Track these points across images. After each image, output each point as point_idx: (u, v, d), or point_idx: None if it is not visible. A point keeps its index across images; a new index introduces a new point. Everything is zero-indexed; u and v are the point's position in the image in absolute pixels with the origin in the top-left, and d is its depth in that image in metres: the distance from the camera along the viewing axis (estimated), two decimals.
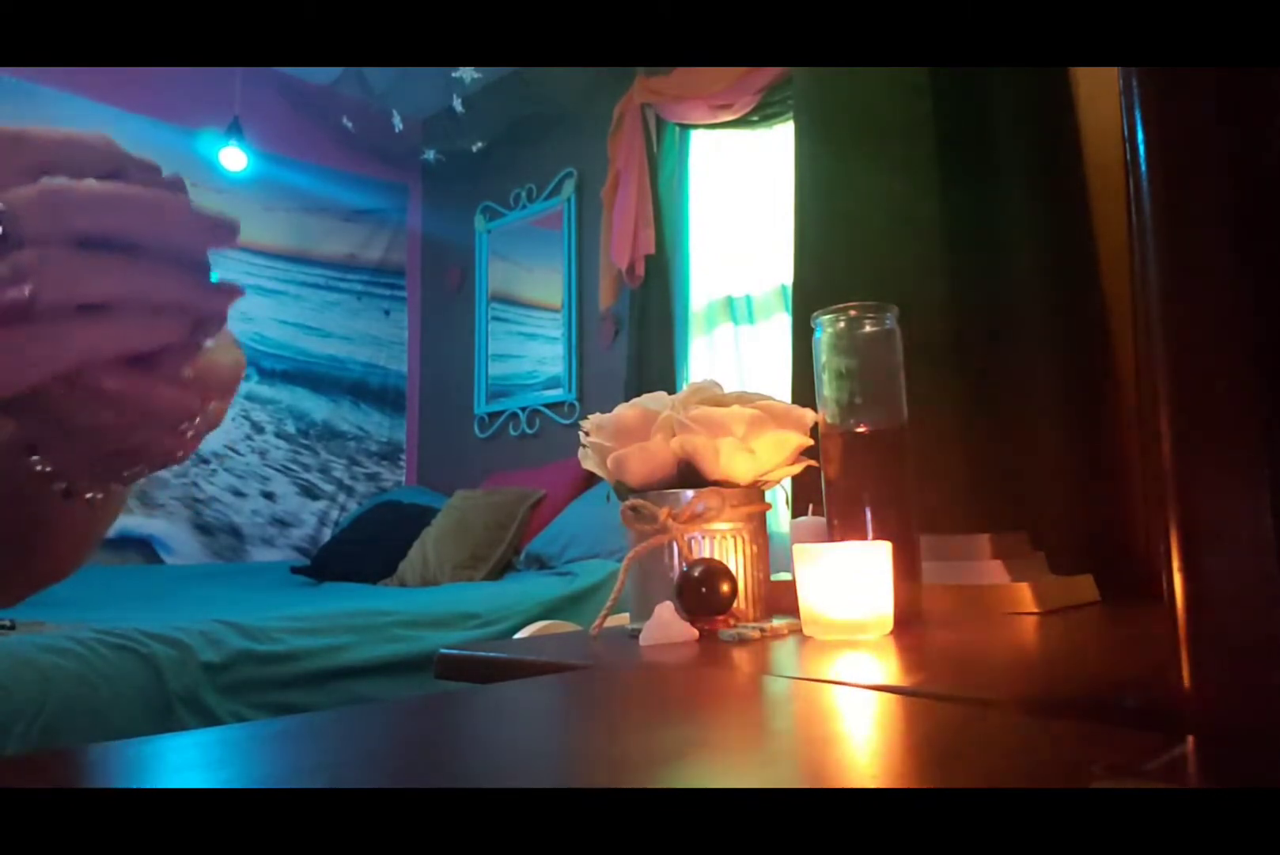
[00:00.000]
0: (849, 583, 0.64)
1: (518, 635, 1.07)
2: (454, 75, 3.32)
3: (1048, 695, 0.47)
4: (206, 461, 3.38)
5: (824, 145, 1.26)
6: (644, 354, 2.86)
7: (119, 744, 0.35)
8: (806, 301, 1.22)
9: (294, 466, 3.62)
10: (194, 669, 1.55)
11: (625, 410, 0.78)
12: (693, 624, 0.68)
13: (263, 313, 3.57)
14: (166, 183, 0.32)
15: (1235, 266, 0.29)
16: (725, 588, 0.68)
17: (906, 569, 0.72)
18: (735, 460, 0.73)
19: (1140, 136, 0.31)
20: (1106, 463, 1.04)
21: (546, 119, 3.38)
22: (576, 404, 3.27)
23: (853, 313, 0.75)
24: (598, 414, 0.80)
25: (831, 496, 0.76)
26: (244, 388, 3.49)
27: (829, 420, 0.76)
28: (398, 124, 3.65)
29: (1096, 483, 1.03)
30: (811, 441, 0.77)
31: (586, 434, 0.80)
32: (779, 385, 2.18)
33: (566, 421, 3.28)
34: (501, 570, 2.69)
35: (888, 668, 0.55)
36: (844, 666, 0.55)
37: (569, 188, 3.39)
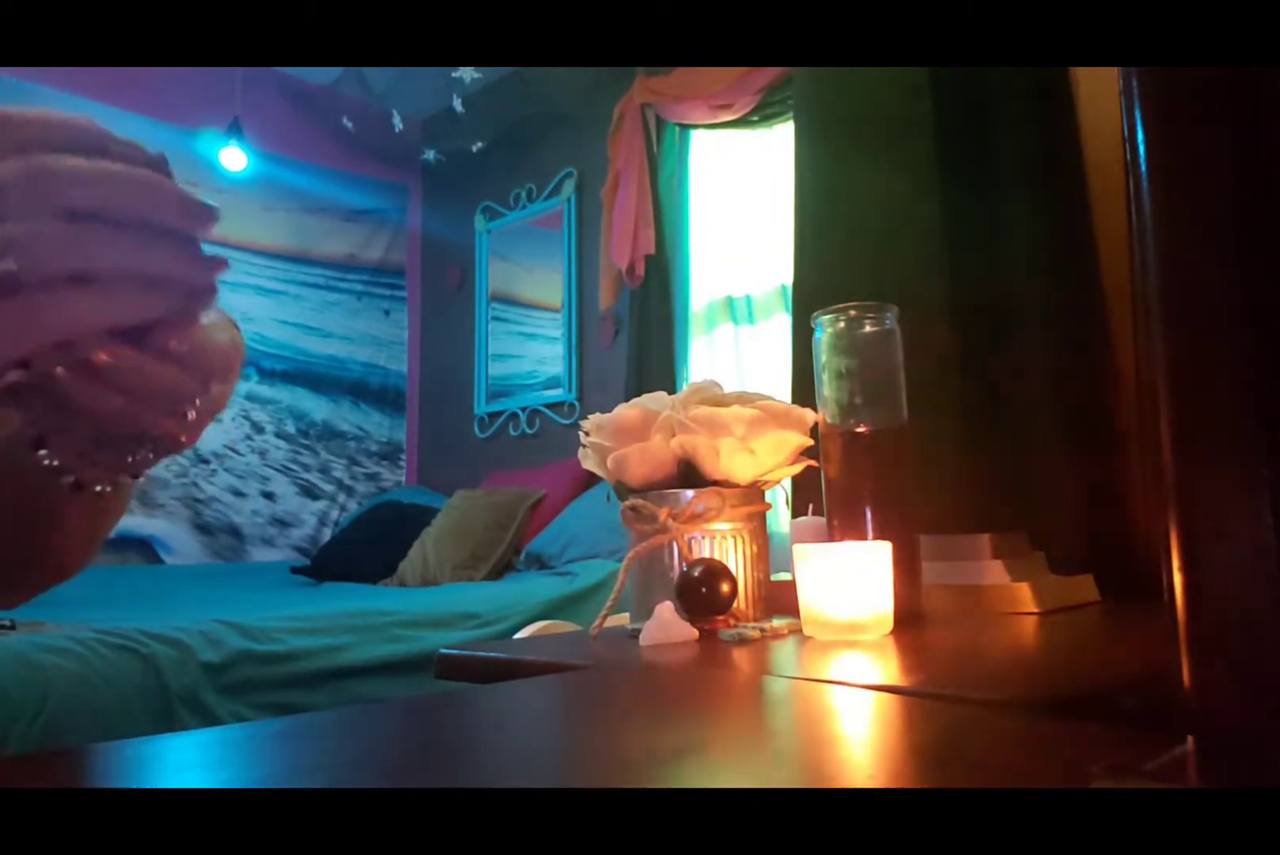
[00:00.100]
0: (849, 583, 0.64)
1: (518, 635, 1.07)
2: (454, 75, 3.32)
3: (1047, 695, 0.47)
4: (206, 461, 3.37)
5: (824, 145, 1.26)
6: (644, 354, 2.86)
7: (119, 744, 0.35)
8: (806, 301, 1.22)
9: (294, 466, 3.62)
10: (194, 669, 1.55)
11: (625, 410, 0.78)
12: (693, 624, 0.68)
13: (263, 313, 3.57)
14: (149, 161, 0.32)
15: (1235, 266, 0.29)
16: (725, 588, 0.68)
17: (906, 569, 0.72)
18: (735, 460, 0.73)
19: (1140, 136, 0.31)
20: (1106, 463, 1.04)
21: (546, 119, 3.38)
22: (576, 404, 3.27)
23: (853, 313, 0.75)
24: (598, 414, 0.80)
25: (831, 496, 0.76)
26: (244, 388, 3.49)
27: (829, 420, 0.76)
28: (398, 124, 3.65)
29: (1096, 482, 1.03)
30: (811, 441, 0.77)
31: (586, 434, 0.80)
32: (779, 385, 2.18)
33: (566, 421, 3.28)
34: (501, 570, 2.69)
35: (888, 668, 0.55)
36: (844, 666, 0.55)
37: (569, 188, 3.39)
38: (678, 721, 0.39)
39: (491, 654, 0.67)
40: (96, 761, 0.35)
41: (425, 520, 2.97)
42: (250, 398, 3.52)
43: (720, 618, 0.70)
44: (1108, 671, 0.54)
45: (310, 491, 3.66)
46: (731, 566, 0.71)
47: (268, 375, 3.58)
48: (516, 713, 0.45)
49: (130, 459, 0.39)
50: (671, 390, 0.86)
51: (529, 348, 3.49)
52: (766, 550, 0.77)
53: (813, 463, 0.78)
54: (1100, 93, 1.09)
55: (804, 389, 1.14)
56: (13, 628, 1.53)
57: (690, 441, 0.73)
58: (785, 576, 0.83)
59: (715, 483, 0.74)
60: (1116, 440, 1.04)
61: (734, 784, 0.29)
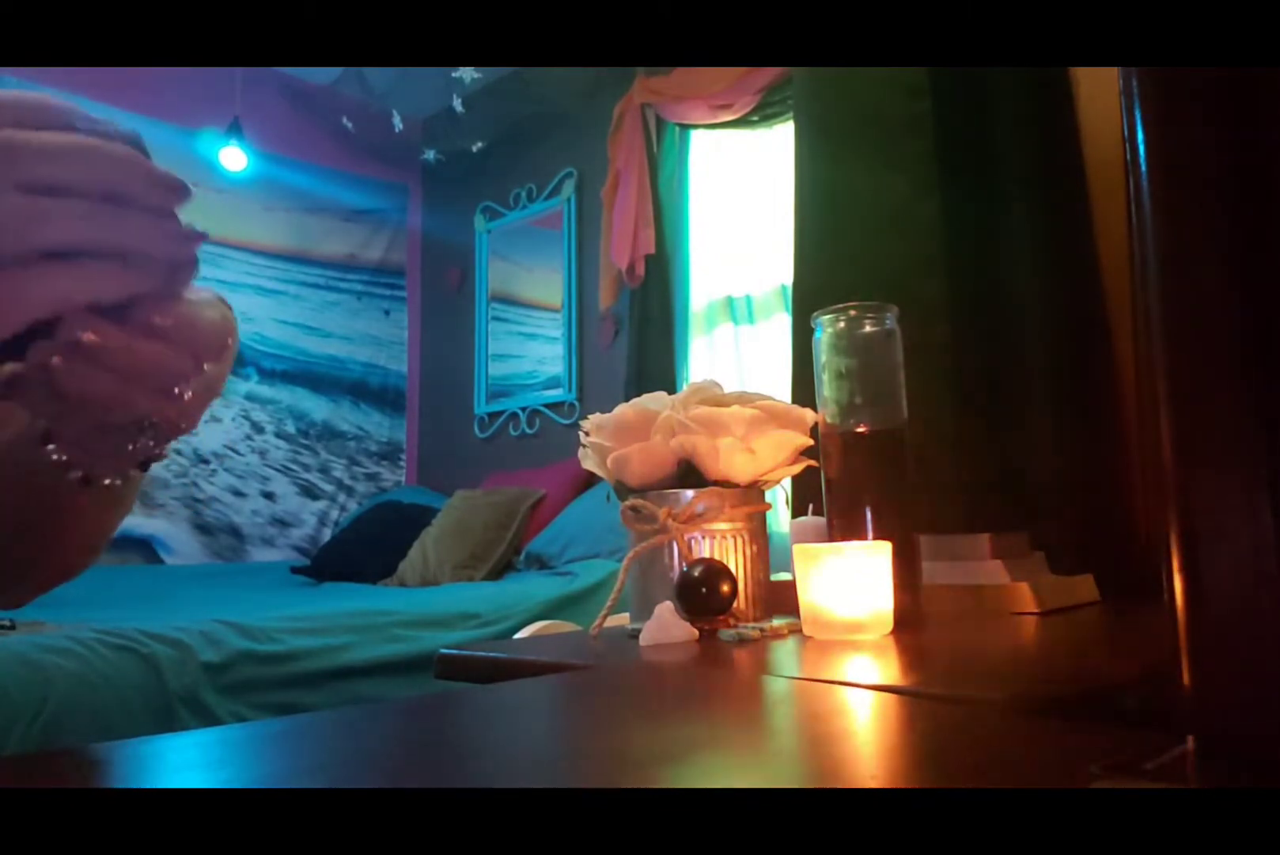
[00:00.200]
0: (849, 582, 0.64)
1: (518, 635, 1.07)
2: (454, 75, 3.32)
3: (1048, 695, 0.47)
4: (206, 461, 3.37)
5: (824, 145, 1.26)
6: (644, 354, 2.86)
7: (119, 744, 0.35)
8: (806, 301, 1.22)
9: (294, 466, 3.62)
10: (194, 669, 1.55)
11: (625, 410, 0.78)
12: (693, 624, 0.68)
13: (263, 313, 3.57)
14: (121, 136, 0.32)
15: (1235, 266, 0.29)
16: (725, 588, 0.68)
17: (906, 569, 0.72)
18: (735, 460, 0.73)
19: (1140, 136, 0.31)
20: (1106, 463, 1.04)
21: (546, 119, 3.38)
22: (576, 404, 3.27)
23: (853, 313, 0.75)
24: (598, 414, 0.80)
25: (831, 496, 0.76)
26: (244, 388, 3.49)
27: (829, 420, 0.76)
28: (398, 124, 3.65)
29: (1096, 483, 1.03)
30: (811, 441, 0.77)
31: (586, 434, 0.80)
32: (779, 385, 2.18)
33: (566, 421, 3.28)
34: (501, 570, 2.69)
35: (888, 668, 0.55)
36: (844, 666, 0.55)
37: (569, 188, 3.39)
38: (678, 721, 0.39)
39: (491, 654, 0.67)
40: (96, 761, 0.35)
41: (425, 520, 2.97)
42: (250, 398, 3.52)
43: (720, 618, 0.70)
44: (1107, 671, 0.54)
45: (310, 491, 3.66)
46: (731, 566, 0.71)
47: (268, 375, 3.58)
48: (517, 713, 0.45)
49: (131, 447, 0.39)
50: (671, 390, 0.86)
51: (529, 348, 3.49)
52: (766, 550, 0.77)
53: (813, 463, 0.78)
54: (1100, 93, 1.09)
55: (804, 389, 1.14)
56: (13, 628, 1.53)
57: (690, 441, 0.73)
58: (785, 576, 0.83)
59: (715, 483, 0.74)
60: (1116, 440, 1.04)
61: (734, 784, 0.29)
